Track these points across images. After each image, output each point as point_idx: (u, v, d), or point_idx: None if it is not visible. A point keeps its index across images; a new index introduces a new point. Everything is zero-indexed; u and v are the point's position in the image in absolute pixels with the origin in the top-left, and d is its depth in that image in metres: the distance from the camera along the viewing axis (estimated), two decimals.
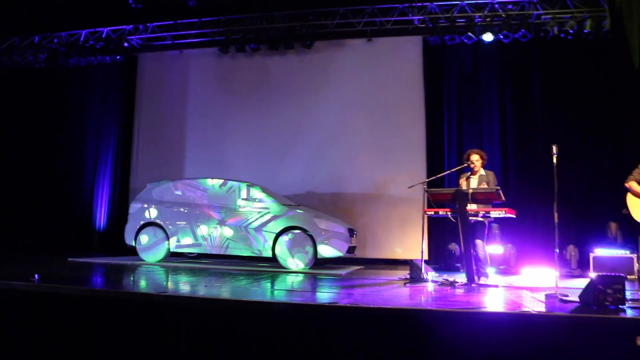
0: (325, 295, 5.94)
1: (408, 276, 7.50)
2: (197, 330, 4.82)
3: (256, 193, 9.67)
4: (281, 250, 9.09)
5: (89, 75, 13.72)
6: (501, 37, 11.26)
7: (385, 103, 11.98)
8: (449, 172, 7.61)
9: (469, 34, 11.30)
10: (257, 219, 9.38)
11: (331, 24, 12.14)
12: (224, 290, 6.12)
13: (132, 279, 7.23)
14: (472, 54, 11.83)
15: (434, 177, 8.17)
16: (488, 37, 11.28)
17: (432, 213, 7.30)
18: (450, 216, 7.13)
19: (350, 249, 9.43)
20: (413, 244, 11.34)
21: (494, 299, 5.73)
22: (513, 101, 11.46)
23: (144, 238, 9.89)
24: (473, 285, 6.85)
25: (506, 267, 9.85)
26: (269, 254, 9.20)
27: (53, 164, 13.55)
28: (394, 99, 11.97)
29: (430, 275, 7.42)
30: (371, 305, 4.86)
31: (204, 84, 13.10)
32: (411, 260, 7.86)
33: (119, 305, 5.12)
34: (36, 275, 5.70)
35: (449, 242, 10.82)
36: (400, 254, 11.49)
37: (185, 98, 13.18)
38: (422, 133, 11.77)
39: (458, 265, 10.06)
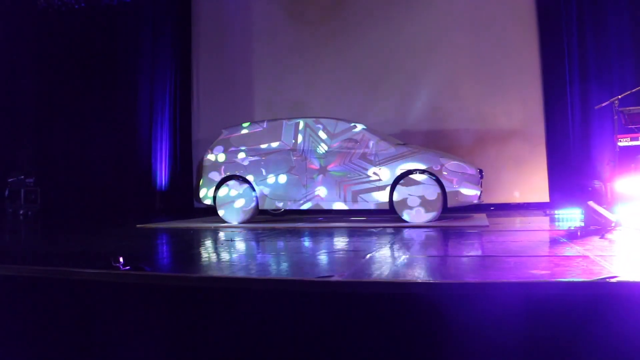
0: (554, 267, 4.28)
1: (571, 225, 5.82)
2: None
3: (360, 130, 7.91)
4: (401, 199, 7.35)
5: (137, 12, 11.88)
6: None
7: (489, 17, 10.09)
8: None
9: None
10: (366, 163, 7.64)
11: None
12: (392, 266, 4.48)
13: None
14: None
15: (629, 92, 6.15)
16: None
17: (627, 141, 5.52)
18: None
19: (480, 195, 7.72)
20: (531, 186, 9.90)
21: None
22: None
23: (225, 195, 8.26)
24: None
25: None
26: (384, 205, 7.51)
27: (105, 115, 11.75)
28: (499, 11, 10.07)
29: (616, 219, 5.66)
30: None
31: (271, 14, 11.24)
32: (586, 203, 6.12)
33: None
34: (120, 258, 3.80)
35: (577, 179, 9.17)
36: (517, 198, 9.93)
37: (249, 31, 11.35)
38: (536, 51, 9.93)
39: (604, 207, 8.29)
